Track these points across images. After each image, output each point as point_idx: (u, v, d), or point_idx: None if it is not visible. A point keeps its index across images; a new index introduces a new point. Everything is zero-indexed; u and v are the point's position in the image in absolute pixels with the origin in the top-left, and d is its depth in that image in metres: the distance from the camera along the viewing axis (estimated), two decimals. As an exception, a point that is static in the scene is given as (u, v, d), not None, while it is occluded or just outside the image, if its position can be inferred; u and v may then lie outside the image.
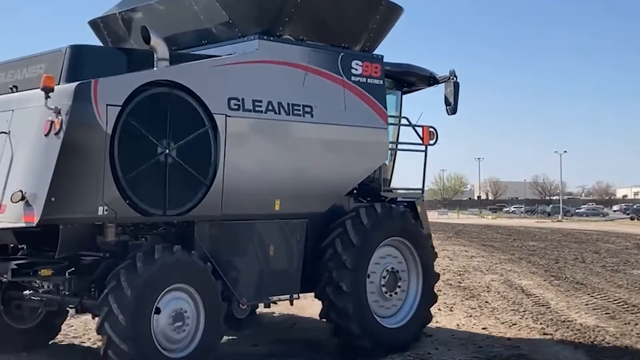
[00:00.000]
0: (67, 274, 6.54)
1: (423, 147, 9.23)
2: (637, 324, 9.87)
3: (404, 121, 9.25)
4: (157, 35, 6.77)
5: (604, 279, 15.18)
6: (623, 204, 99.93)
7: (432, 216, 25.04)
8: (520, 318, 10.29)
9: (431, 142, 9.23)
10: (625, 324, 9.85)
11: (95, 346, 8.28)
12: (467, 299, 12.36)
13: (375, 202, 8.25)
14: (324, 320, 7.93)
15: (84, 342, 8.50)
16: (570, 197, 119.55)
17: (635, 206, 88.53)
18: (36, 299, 7.26)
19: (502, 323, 9.72)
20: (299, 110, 7.48)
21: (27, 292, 7.30)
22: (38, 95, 6.10)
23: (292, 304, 8.58)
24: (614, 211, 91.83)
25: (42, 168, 5.96)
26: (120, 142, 6.15)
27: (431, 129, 9.18)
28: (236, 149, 6.91)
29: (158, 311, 6.32)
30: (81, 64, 6.49)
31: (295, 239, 7.63)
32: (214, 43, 7.66)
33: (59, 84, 6.23)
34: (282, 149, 7.45)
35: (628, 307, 11.28)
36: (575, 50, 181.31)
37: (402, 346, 8.05)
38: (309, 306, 11.28)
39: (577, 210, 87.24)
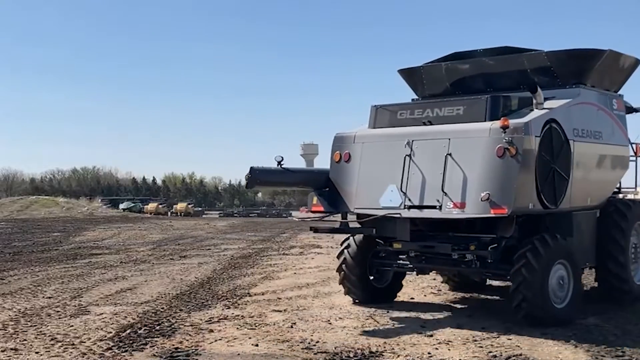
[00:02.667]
0: (489, 248, 9.75)
1: (633, 158, 12.25)
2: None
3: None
4: (540, 86, 9.64)
5: (603, 278, 15.10)
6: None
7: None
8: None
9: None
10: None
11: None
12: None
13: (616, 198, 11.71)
14: (597, 283, 11.52)
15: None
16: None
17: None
18: (404, 267, 10.95)
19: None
20: (598, 135, 10.70)
21: (399, 261, 10.97)
22: (479, 129, 9.26)
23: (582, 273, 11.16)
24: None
25: (505, 178, 8.88)
26: (538, 160, 9.18)
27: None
28: (577, 163, 10.05)
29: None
30: (497, 108, 9.46)
31: (594, 224, 10.97)
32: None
33: (484, 120, 9.36)
34: (593, 161, 10.74)
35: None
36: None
37: None
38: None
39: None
